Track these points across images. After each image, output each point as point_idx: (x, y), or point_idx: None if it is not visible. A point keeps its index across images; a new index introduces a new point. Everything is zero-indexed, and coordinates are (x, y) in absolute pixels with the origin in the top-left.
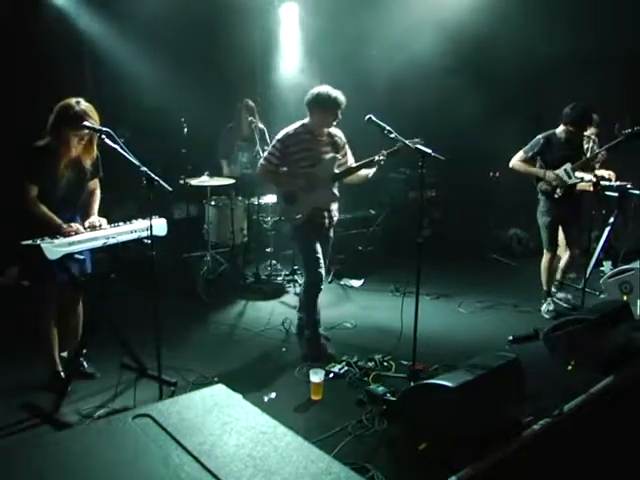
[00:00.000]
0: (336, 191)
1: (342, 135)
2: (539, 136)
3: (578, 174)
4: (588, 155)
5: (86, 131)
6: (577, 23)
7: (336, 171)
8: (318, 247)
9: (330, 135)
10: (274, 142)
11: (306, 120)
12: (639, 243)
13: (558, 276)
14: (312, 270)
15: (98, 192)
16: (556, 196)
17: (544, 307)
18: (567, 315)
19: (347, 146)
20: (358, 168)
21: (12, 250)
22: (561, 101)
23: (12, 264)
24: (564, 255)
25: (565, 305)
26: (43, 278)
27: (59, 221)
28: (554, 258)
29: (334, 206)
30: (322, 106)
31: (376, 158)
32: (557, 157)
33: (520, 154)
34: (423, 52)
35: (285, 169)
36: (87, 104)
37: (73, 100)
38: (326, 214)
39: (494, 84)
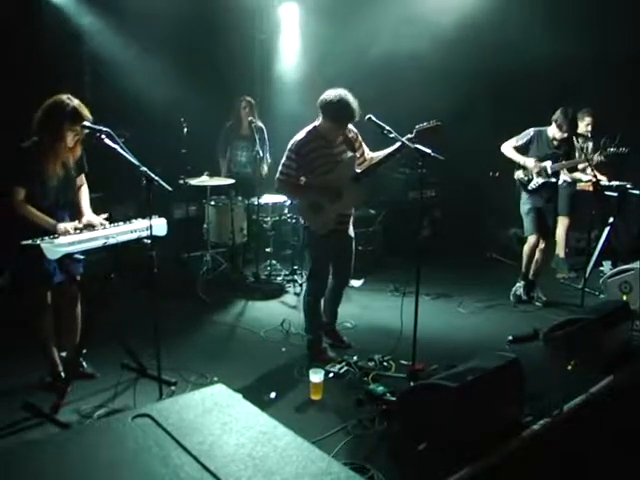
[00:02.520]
0: (361, 189)
1: (353, 127)
2: (531, 128)
3: (577, 174)
4: (582, 154)
5: (80, 126)
6: (581, 23)
7: (357, 170)
8: (332, 262)
9: (343, 133)
10: (287, 153)
11: (317, 123)
12: (638, 243)
13: (531, 276)
14: (316, 285)
15: (85, 188)
16: (529, 188)
17: (513, 289)
18: (530, 317)
19: (359, 137)
20: (379, 164)
21: (8, 252)
22: (564, 102)
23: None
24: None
25: (538, 304)
26: (38, 281)
27: (52, 221)
28: (537, 243)
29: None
30: (335, 116)
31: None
32: (542, 153)
33: (512, 141)
34: (423, 51)
35: (304, 179)
36: (77, 100)
37: (64, 96)
38: (349, 216)
39: (495, 84)
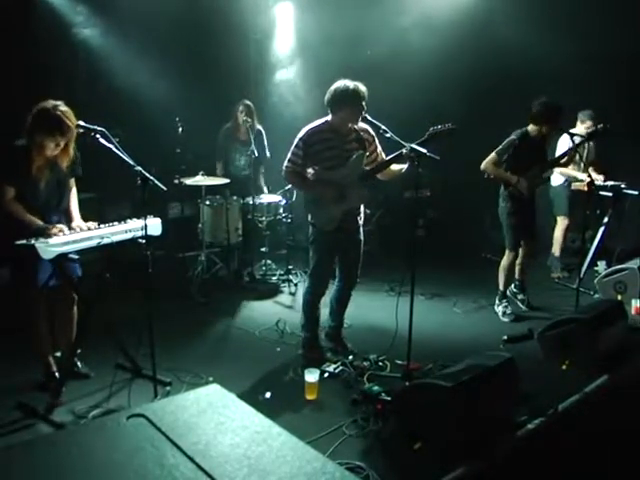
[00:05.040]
0: (366, 190)
1: (370, 129)
2: (513, 137)
3: (573, 173)
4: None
5: (61, 137)
6: (578, 23)
7: (365, 169)
8: (334, 261)
9: (356, 131)
10: (296, 141)
11: (329, 117)
12: (633, 243)
13: (517, 276)
14: (317, 283)
15: (74, 192)
16: (523, 197)
17: (500, 309)
18: (525, 317)
19: (377, 141)
20: (387, 164)
21: (4, 251)
22: (561, 101)
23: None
24: (520, 254)
25: (523, 307)
26: (30, 281)
27: (40, 222)
28: (516, 259)
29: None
30: (346, 102)
31: (404, 151)
32: (528, 157)
33: (493, 156)
34: (419, 51)
35: (311, 171)
36: (65, 108)
37: (50, 104)
38: (356, 216)
39: (491, 83)
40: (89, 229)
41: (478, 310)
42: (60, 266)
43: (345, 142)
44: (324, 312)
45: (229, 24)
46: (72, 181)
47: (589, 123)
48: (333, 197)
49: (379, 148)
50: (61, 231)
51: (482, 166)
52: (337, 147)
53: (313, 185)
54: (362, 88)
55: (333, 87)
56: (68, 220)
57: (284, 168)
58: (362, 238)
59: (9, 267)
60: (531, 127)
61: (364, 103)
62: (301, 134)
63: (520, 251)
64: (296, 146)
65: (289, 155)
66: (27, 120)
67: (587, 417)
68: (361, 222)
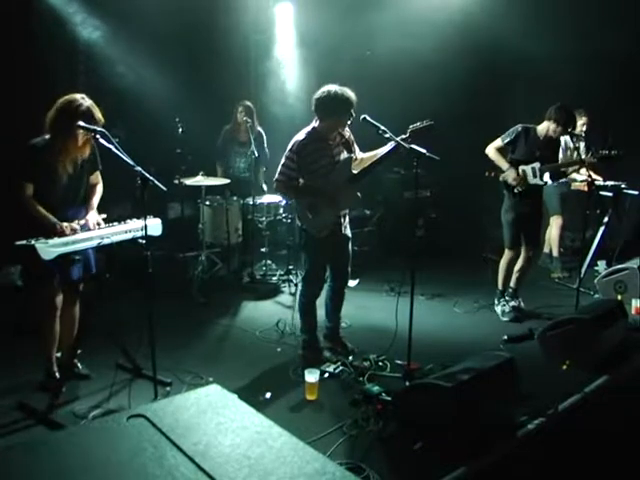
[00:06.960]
0: (356, 190)
1: (348, 130)
2: (519, 125)
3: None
4: (576, 155)
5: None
6: (577, 23)
7: (354, 172)
8: (328, 264)
9: (340, 135)
10: (288, 153)
11: (315, 124)
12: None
13: (512, 283)
14: (312, 286)
15: (99, 187)
16: (515, 191)
17: (499, 309)
18: (525, 317)
19: (352, 137)
20: (376, 164)
21: (8, 249)
22: (560, 101)
23: (8, 263)
24: (520, 259)
25: (517, 314)
26: (45, 280)
27: (53, 219)
28: (516, 258)
29: None
30: (336, 110)
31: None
32: (529, 152)
33: (497, 141)
34: (421, 50)
35: (302, 181)
36: (90, 100)
37: (78, 95)
38: (344, 217)
39: (490, 84)
40: (98, 224)
41: (478, 310)
42: (61, 266)
43: (332, 148)
44: (321, 313)
45: (229, 24)
46: (97, 175)
47: (584, 120)
48: (325, 203)
49: (357, 148)
50: (72, 230)
51: (486, 150)
52: (327, 155)
53: (306, 194)
54: (350, 94)
55: (321, 94)
56: (85, 213)
57: (275, 181)
58: (350, 235)
59: (21, 266)
60: (541, 126)
61: (353, 110)
62: (291, 146)
63: (521, 256)
64: (288, 158)
65: (280, 168)
66: (51, 116)
67: (587, 417)
68: (347, 219)
